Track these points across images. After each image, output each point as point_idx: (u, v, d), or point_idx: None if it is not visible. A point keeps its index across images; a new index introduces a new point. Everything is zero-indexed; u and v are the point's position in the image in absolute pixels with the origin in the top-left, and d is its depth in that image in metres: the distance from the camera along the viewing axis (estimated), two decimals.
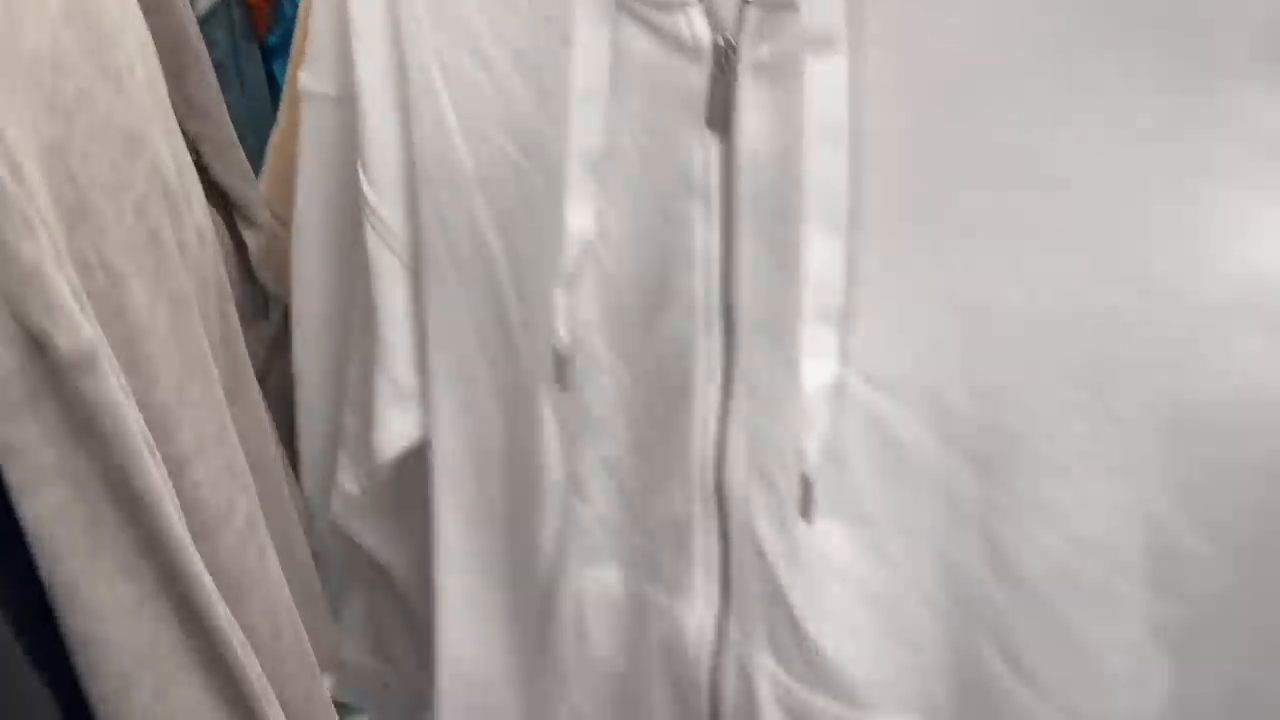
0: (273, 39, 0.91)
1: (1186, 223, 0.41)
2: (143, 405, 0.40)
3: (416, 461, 0.73)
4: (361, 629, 0.89)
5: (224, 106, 0.67)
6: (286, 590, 0.53)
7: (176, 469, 0.43)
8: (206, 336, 0.51)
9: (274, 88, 0.92)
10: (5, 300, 0.27)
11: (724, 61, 0.48)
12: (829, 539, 0.52)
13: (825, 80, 0.44)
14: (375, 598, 0.87)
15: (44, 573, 0.32)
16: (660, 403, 0.57)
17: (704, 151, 0.50)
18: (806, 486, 0.50)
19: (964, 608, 0.51)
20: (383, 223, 0.65)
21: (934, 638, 0.53)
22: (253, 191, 0.72)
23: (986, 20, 0.43)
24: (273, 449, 0.65)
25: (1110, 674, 0.50)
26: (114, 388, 0.31)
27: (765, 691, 0.58)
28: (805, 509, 0.50)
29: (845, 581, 0.53)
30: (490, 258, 0.61)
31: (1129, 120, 0.41)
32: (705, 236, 0.51)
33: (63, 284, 0.29)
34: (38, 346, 0.28)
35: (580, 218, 0.52)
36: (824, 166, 0.45)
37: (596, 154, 0.51)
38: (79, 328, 0.29)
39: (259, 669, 0.45)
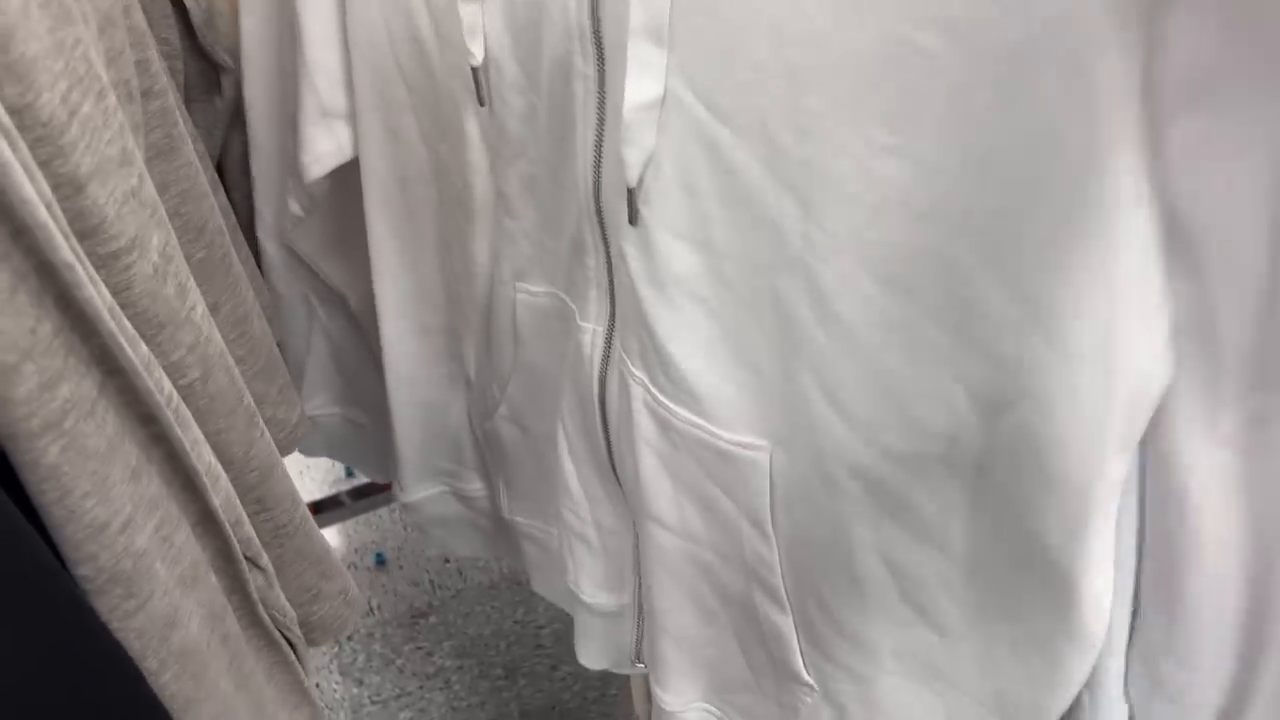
0: None
1: None
2: (22, 110, 0.39)
3: (356, 187, 0.74)
4: (328, 379, 0.93)
5: None
6: (218, 337, 0.53)
7: (72, 189, 0.42)
8: (117, 79, 0.50)
9: None
10: None
11: None
12: (681, 260, 0.55)
13: None
14: (337, 339, 0.91)
15: None
16: (558, 124, 0.58)
17: None
18: (630, 196, 0.53)
19: (791, 341, 0.53)
20: None
21: (770, 363, 0.55)
22: None
23: None
24: (215, 215, 0.64)
25: (921, 420, 0.51)
26: None
27: (638, 401, 0.61)
28: (631, 216, 0.54)
29: (694, 300, 0.56)
30: None
31: None
32: None
33: None
34: None
35: None
36: None
37: None
38: None
39: (171, 391, 0.45)
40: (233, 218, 0.74)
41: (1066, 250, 0.44)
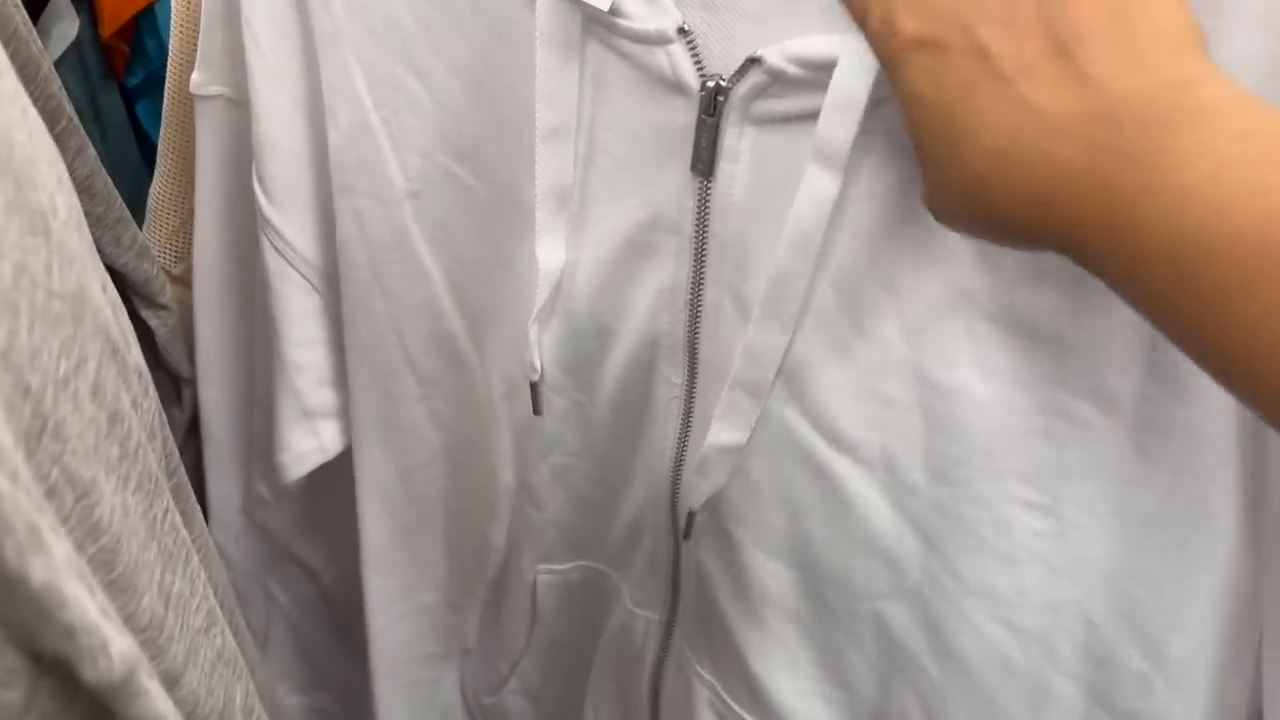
0: (134, 81, 0.79)
1: (1146, 340, 0.40)
2: (131, 629, 0.32)
3: (331, 469, 0.69)
4: (290, 667, 0.86)
5: (108, 178, 0.58)
6: None
7: (169, 684, 0.35)
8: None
9: (140, 134, 0.81)
10: (5, 629, 0.20)
11: (712, 105, 0.45)
12: (775, 577, 0.53)
13: (815, 194, 0.42)
14: (301, 623, 0.84)
15: None
16: (622, 420, 0.57)
17: (680, 188, 0.48)
18: (689, 520, 0.53)
19: (897, 667, 0.52)
20: (282, 238, 0.61)
21: (866, 683, 0.54)
22: (152, 268, 0.62)
23: None
24: (221, 572, 0.57)
25: None
26: (157, 703, 0.23)
27: (703, 702, 0.59)
28: (686, 534, 0.54)
29: (786, 618, 0.54)
30: (423, 274, 0.58)
31: None
32: (675, 271, 0.50)
33: (84, 596, 0.21)
34: (52, 674, 0.21)
35: (552, 255, 0.51)
36: (788, 268, 0.44)
37: (565, 190, 0.50)
38: (108, 647, 0.21)
39: None
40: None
41: (1210, 613, 0.44)
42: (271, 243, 0.61)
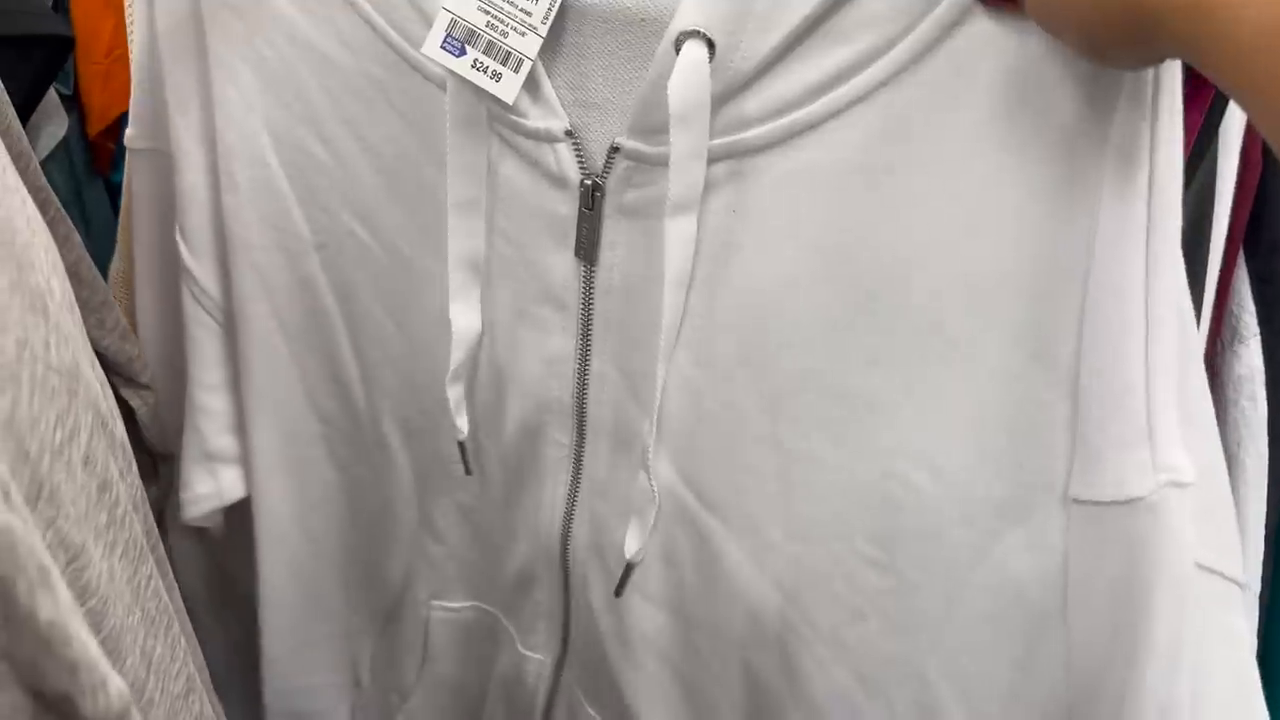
0: (118, 177, 0.82)
1: (977, 420, 0.44)
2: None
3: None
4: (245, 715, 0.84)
5: (93, 264, 0.60)
6: None
7: None
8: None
9: None
10: (12, 666, 0.21)
11: (591, 200, 0.50)
12: (653, 623, 0.56)
13: (678, 237, 0.46)
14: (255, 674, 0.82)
15: None
16: (517, 472, 0.59)
17: (565, 271, 0.52)
18: (627, 570, 0.55)
19: (761, 711, 0.55)
20: (199, 285, 0.64)
21: None
22: (134, 349, 0.64)
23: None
24: (198, 649, 0.57)
25: None
26: None
27: None
28: (620, 589, 0.56)
29: (661, 661, 0.57)
30: (327, 321, 0.61)
31: (937, 321, 0.44)
32: (563, 344, 0.54)
33: (86, 637, 0.23)
34: (52, 713, 0.22)
35: (466, 318, 0.54)
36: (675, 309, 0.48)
37: (477, 259, 0.53)
38: (108, 684, 0.23)
39: None
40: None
41: (1029, 687, 0.47)
42: (190, 290, 0.63)
